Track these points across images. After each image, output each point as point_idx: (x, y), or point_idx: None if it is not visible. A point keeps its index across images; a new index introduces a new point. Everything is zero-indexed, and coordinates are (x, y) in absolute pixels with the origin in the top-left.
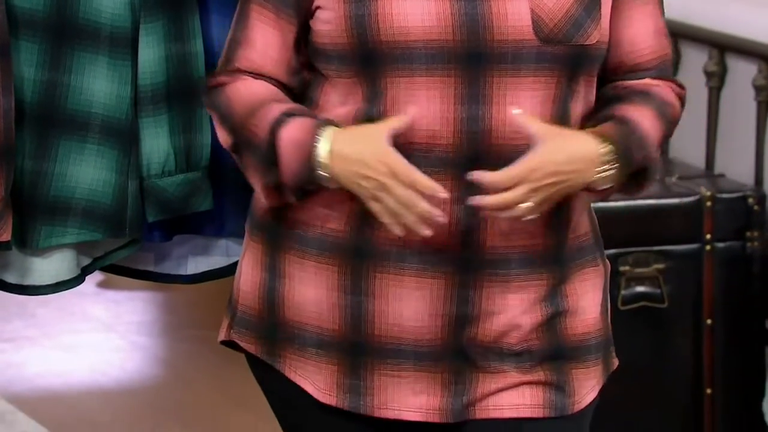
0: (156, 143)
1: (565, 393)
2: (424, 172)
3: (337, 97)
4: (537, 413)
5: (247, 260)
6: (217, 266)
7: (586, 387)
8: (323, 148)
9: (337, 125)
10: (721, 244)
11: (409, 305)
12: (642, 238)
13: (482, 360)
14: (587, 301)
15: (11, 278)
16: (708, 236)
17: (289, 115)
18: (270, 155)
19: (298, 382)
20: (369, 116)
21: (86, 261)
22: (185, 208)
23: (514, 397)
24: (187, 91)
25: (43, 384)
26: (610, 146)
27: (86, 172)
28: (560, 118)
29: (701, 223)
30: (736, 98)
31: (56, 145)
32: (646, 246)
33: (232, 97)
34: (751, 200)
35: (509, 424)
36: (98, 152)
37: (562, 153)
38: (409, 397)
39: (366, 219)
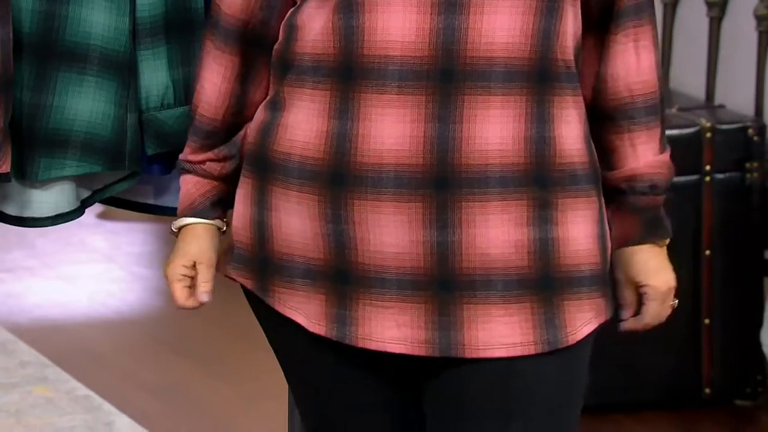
0: (155, 76)
1: (556, 326)
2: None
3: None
4: (529, 350)
5: (238, 196)
6: None
7: (581, 319)
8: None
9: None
10: (720, 176)
11: (389, 231)
12: None
13: (467, 290)
14: (579, 231)
15: (11, 210)
16: (707, 167)
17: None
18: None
19: (289, 315)
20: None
21: (86, 193)
22: (184, 141)
23: (504, 333)
24: (186, 24)
25: (43, 314)
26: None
27: (85, 104)
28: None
29: (701, 154)
30: (737, 28)
31: (55, 77)
32: None
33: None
34: (750, 131)
35: (501, 363)
36: (97, 84)
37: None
38: (393, 329)
39: (342, 145)
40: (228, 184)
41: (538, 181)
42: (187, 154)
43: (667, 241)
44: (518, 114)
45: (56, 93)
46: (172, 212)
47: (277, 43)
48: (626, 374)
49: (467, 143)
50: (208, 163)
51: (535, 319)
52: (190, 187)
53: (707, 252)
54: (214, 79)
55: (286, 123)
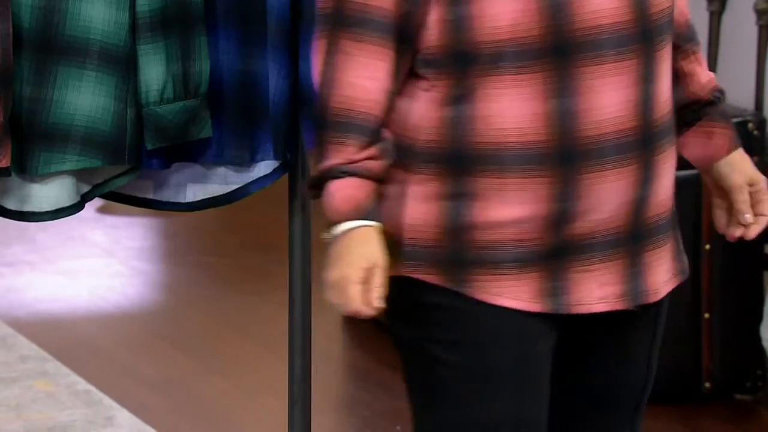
0: (154, 70)
1: (683, 253)
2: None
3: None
4: (674, 283)
5: (415, 194)
6: (216, 194)
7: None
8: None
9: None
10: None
11: (608, 199)
12: None
13: (648, 237)
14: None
15: (11, 204)
16: None
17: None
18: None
19: (491, 301)
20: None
21: (86, 188)
22: (184, 135)
23: (664, 271)
24: (185, 18)
25: (44, 308)
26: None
27: (85, 98)
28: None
29: None
30: (738, 22)
31: (55, 71)
32: None
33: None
34: (750, 125)
35: (663, 303)
36: (97, 79)
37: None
38: (596, 289)
39: (566, 123)
40: (382, 183)
41: (673, 123)
42: (345, 156)
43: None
44: (670, 61)
45: (56, 87)
46: (171, 207)
47: (433, 38)
48: None
49: (658, 98)
50: (368, 161)
51: (674, 252)
52: (350, 190)
53: (707, 246)
54: (375, 75)
55: (485, 114)
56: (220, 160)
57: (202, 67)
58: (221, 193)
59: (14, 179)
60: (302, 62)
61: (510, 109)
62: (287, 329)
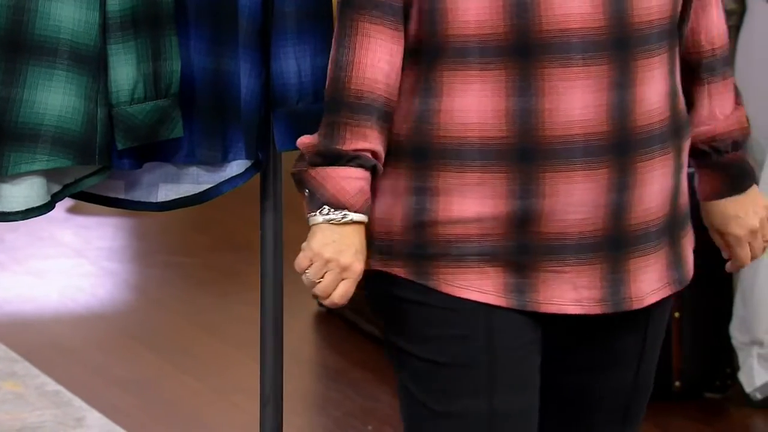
0: (125, 70)
1: (681, 263)
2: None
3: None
4: (666, 292)
5: (383, 188)
6: (188, 194)
7: (689, 252)
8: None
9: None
10: (691, 170)
11: (578, 200)
12: None
13: (633, 245)
14: (686, 172)
15: None
16: None
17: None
18: (326, 158)
19: (458, 294)
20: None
21: (56, 188)
22: (155, 135)
23: (653, 279)
24: (156, 18)
25: (13, 309)
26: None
27: (55, 98)
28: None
29: None
30: None
31: (24, 71)
32: None
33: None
34: None
35: (655, 310)
36: (67, 79)
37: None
38: (570, 291)
39: (528, 122)
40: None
41: (677, 132)
42: (363, 143)
43: (753, 185)
44: (665, 71)
45: (26, 87)
46: (142, 207)
47: (412, 28)
48: None
49: (639, 105)
50: (379, 148)
51: (669, 261)
52: (362, 182)
53: None
54: (392, 59)
55: (450, 108)
56: (191, 160)
57: (173, 66)
58: (193, 193)
59: None
60: (273, 62)
61: (473, 104)
62: (258, 329)
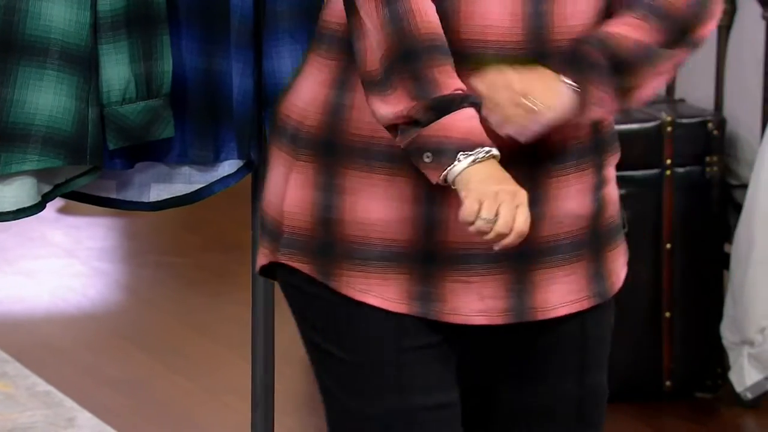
0: (116, 70)
1: (603, 277)
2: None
3: None
4: (583, 305)
5: (293, 181)
6: (179, 193)
7: (617, 266)
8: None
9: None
10: (680, 170)
11: None
12: None
13: (540, 257)
14: (614, 185)
15: None
16: (668, 161)
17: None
18: (438, 110)
19: (358, 298)
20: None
21: (47, 188)
22: (146, 135)
23: (565, 292)
24: (147, 18)
25: (3, 310)
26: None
27: (46, 98)
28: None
29: (662, 148)
30: None
31: (15, 71)
32: None
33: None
34: (710, 125)
35: (571, 321)
36: (58, 79)
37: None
38: (476, 302)
39: None
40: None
41: (597, 148)
42: (454, 83)
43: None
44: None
45: (16, 87)
46: (134, 206)
47: (337, 10)
48: None
49: (556, 131)
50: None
51: (590, 274)
52: (475, 121)
53: (668, 245)
54: (433, 8)
55: (362, 104)
56: (184, 160)
57: (165, 66)
58: (185, 193)
59: None
60: (266, 61)
61: None
62: (249, 329)
